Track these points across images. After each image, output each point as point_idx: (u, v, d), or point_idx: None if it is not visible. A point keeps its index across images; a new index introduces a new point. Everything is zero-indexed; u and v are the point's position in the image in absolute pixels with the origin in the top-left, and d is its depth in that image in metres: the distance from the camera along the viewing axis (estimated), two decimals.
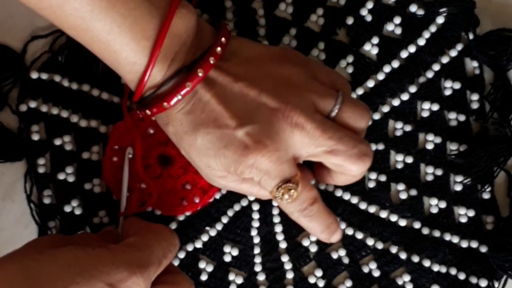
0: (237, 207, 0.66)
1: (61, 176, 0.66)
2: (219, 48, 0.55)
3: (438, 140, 0.67)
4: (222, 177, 0.57)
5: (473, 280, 0.65)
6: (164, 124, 0.57)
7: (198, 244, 0.66)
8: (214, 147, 0.55)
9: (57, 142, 0.66)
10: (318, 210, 0.59)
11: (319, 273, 0.66)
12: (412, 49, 0.67)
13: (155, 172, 0.65)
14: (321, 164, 0.59)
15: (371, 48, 0.68)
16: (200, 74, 0.54)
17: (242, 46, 0.58)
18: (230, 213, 0.66)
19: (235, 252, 0.66)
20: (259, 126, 0.55)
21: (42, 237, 0.56)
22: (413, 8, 0.67)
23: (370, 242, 0.66)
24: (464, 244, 0.66)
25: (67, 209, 0.65)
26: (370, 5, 0.67)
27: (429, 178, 0.66)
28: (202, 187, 0.65)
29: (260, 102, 0.55)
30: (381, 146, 0.67)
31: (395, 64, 0.67)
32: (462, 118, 0.67)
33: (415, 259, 0.65)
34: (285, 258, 0.66)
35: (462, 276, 0.65)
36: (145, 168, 0.64)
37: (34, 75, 0.66)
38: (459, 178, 0.66)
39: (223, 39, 0.56)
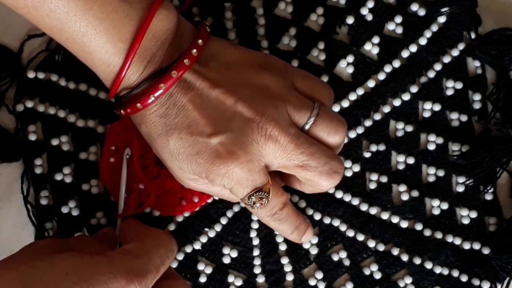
0: (236, 208, 0.65)
1: (58, 177, 0.65)
2: (194, 50, 0.55)
3: (440, 140, 0.66)
4: (193, 179, 0.57)
5: (476, 282, 0.65)
6: (138, 124, 0.57)
7: (197, 246, 0.65)
8: (186, 153, 0.55)
9: (54, 142, 0.65)
10: (287, 214, 0.60)
11: (319, 275, 0.65)
12: (413, 48, 0.67)
13: (152, 172, 0.64)
14: None
15: (371, 48, 0.67)
16: (174, 76, 0.54)
17: (222, 49, 0.58)
18: (229, 214, 0.65)
19: (234, 254, 0.65)
20: (233, 135, 0.55)
21: (39, 242, 0.55)
22: (414, 7, 0.67)
23: (371, 244, 0.65)
24: (467, 246, 0.65)
25: (64, 210, 0.65)
26: (370, 4, 0.67)
27: (431, 179, 0.66)
28: None
29: (236, 111, 0.55)
30: (382, 147, 0.66)
31: (396, 64, 0.67)
32: (464, 118, 0.66)
33: (417, 261, 0.65)
34: (285, 260, 0.65)
35: (464, 278, 0.65)
36: (143, 169, 0.63)
37: (31, 75, 0.65)
38: (461, 179, 0.66)
39: (200, 41, 0.55)
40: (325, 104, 0.59)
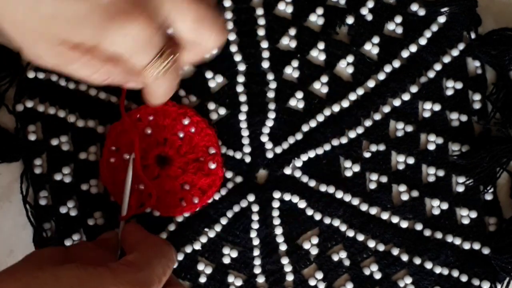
0: (236, 209, 0.65)
1: (58, 177, 0.65)
2: None
3: (440, 140, 0.66)
4: (58, 53, 0.48)
5: (476, 282, 0.65)
6: None
7: (197, 246, 0.65)
8: (73, 11, 0.45)
9: (54, 142, 0.65)
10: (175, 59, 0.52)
11: (319, 275, 0.65)
12: (413, 48, 0.67)
13: (153, 172, 0.64)
14: None
15: (371, 48, 0.67)
16: None
17: None
18: (229, 214, 0.65)
19: (234, 254, 0.65)
20: None
21: (41, 251, 0.54)
22: (414, 7, 0.67)
23: (371, 244, 0.65)
24: (467, 246, 0.65)
25: (63, 210, 0.65)
26: (370, 4, 0.67)
27: (431, 179, 0.66)
28: (201, 188, 0.64)
29: None
30: (382, 147, 0.66)
31: (396, 64, 0.67)
32: (464, 118, 0.66)
33: (417, 261, 0.65)
34: (285, 261, 0.65)
35: (464, 278, 0.65)
36: (143, 169, 0.63)
37: (31, 75, 0.65)
38: (461, 179, 0.66)
39: None
40: None
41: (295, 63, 0.67)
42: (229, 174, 0.66)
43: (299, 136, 0.66)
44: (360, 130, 0.66)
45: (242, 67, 0.66)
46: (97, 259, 0.53)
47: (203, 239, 0.65)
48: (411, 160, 0.66)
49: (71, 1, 0.44)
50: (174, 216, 0.65)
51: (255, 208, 0.65)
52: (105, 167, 0.64)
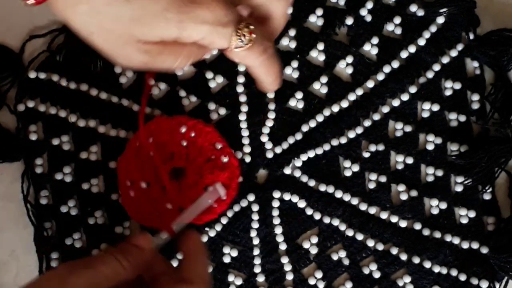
0: (236, 208, 0.66)
1: (59, 176, 0.65)
2: None
3: (439, 140, 0.66)
4: (145, 51, 0.50)
5: (474, 281, 0.65)
6: (72, 6, 0.48)
7: None
8: (150, 12, 0.48)
9: (55, 142, 0.66)
10: (274, 49, 0.55)
11: (319, 274, 0.66)
12: (412, 49, 0.67)
13: (174, 189, 0.63)
14: None
15: (371, 49, 0.67)
16: None
17: None
18: (230, 214, 0.66)
19: (234, 253, 0.66)
20: None
21: (63, 266, 0.49)
22: (413, 8, 0.67)
23: (370, 243, 0.66)
24: (465, 245, 0.65)
25: (63, 209, 0.65)
26: (370, 5, 0.67)
27: (430, 179, 0.66)
28: (223, 184, 0.63)
29: None
30: (381, 147, 0.66)
31: (395, 64, 0.67)
32: (462, 118, 0.67)
33: (416, 260, 0.65)
34: (285, 260, 0.66)
35: (463, 278, 0.65)
36: (163, 188, 0.62)
37: (32, 75, 0.66)
38: (459, 179, 0.66)
39: None
40: None
41: (294, 64, 0.67)
42: None
43: (298, 136, 0.67)
44: (359, 130, 0.67)
45: (242, 68, 0.67)
46: (122, 275, 0.50)
47: (204, 238, 0.65)
48: (410, 160, 0.66)
49: (149, 2, 0.47)
50: (212, 220, 0.64)
51: (255, 207, 0.66)
52: (130, 206, 0.63)
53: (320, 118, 0.67)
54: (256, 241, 0.66)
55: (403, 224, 0.66)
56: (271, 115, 0.66)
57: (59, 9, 0.48)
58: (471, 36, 0.67)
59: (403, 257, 0.65)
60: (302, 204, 0.66)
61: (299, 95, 0.67)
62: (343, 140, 0.66)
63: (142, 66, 0.51)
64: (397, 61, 0.67)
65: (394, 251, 0.65)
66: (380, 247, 0.66)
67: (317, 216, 0.66)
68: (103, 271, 0.49)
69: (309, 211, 0.66)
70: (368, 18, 0.67)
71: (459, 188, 0.66)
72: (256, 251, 0.66)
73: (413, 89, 0.67)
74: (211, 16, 0.49)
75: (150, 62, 0.50)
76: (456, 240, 0.65)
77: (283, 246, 0.66)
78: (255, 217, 0.66)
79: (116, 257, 0.50)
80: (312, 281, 0.65)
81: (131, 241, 0.53)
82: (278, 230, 0.66)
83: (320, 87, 0.67)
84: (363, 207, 0.66)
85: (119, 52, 0.50)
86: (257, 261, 0.66)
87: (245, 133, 0.66)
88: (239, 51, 0.51)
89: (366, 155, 0.67)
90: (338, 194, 0.66)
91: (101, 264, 0.49)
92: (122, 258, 0.50)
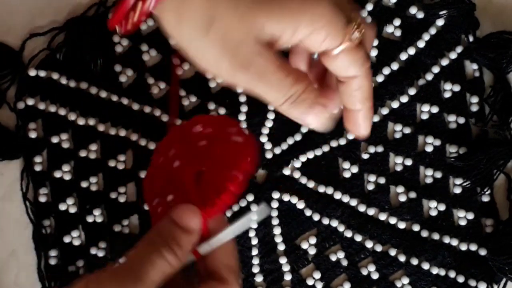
0: (235, 208, 0.66)
1: (58, 174, 0.65)
2: None
3: (438, 142, 0.66)
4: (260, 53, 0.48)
5: (472, 283, 0.65)
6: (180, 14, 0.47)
7: None
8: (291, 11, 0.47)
9: (55, 140, 0.66)
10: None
11: (317, 275, 0.65)
12: (411, 51, 0.67)
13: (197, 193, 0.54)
14: None
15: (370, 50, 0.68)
16: None
17: None
18: (228, 213, 0.66)
19: None
20: None
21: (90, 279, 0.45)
22: (413, 10, 0.67)
23: (369, 244, 0.66)
24: (463, 247, 0.65)
25: (62, 207, 0.65)
26: (369, 7, 0.67)
27: (429, 180, 0.66)
28: (236, 161, 0.54)
29: None
30: (380, 149, 0.67)
31: (395, 66, 0.67)
32: (461, 120, 0.67)
33: (414, 261, 0.65)
34: (283, 260, 0.65)
35: (461, 279, 0.65)
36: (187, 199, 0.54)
37: (32, 73, 0.66)
38: (458, 181, 0.66)
39: None
40: None
41: None
42: None
43: (298, 137, 0.67)
44: None
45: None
46: None
47: None
48: (409, 162, 0.66)
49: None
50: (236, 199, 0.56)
51: (254, 207, 0.66)
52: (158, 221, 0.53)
53: None
54: (254, 241, 0.66)
55: (402, 225, 0.66)
56: (271, 116, 0.67)
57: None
58: (471, 39, 0.67)
59: (402, 258, 0.65)
60: (301, 205, 0.66)
61: None
62: (342, 142, 0.67)
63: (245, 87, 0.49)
64: (397, 63, 0.67)
65: (393, 252, 0.65)
66: (379, 248, 0.66)
67: (316, 217, 0.66)
68: (152, 279, 0.44)
69: (308, 212, 0.66)
70: (368, 20, 0.67)
71: (457, 190, 0.66)
72: (254, 251, 0.66)
73: (412, 91, 0.67)
74: (328, 10, 0.48)
75: (253, 83, 0.48)
76: (454, 242, 0.65)
77: (281, 247, 0.66)
78: (254, 217, 0.66)
79: (164, 256, 0.45)
80: (310, 282, 0.65)
81: (176, 221, 0.47)
82: (277, 230, 0.66)
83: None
84: (362, 208, 0.66)
85: (228, 77, 0.49)
86: (256, 261, 0.66)
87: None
88: (347, 51, 0.49)
89: (365, 156, 0.67)
90: (337, 195, 0.66)
91: (149, 272, 0.44)
92: (170, 255, 0.46)
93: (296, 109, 0.50)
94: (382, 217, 0.66)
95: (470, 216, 0.66)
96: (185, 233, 0.47)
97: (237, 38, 0.46)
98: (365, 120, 0.53)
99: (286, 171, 0.67)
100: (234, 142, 0.55)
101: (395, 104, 0.67)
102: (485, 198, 0.66)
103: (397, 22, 0.67)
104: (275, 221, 0.66)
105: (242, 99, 0.67)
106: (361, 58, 0.50)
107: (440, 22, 0.67)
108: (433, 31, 0.67)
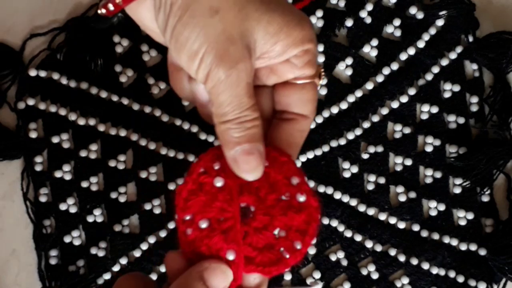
0: None
1: (58, 174, 0.65)
2: None
3: (437, 142, 0.66)
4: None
5: (472, 283, 0.65)
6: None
7: None
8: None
9: (55, 140, 0.66)
10: None
11: (317, 275, 0.65)
12: (411, 51, 0.67)
13: (239, 233, 0.50)
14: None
15: (370, 50, 0.68)
16: None
17: None
18: None
19: None
20: None
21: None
22: (412, 10, 0.67)
23: (369, 244, 0.66)
24: (463, 247, 0.65)
25: (63, 207, 0.65)
26: (369, 7, 0.67)
27: (428, 180, 0.66)
28: (298, 228, 0.50)
29: None
30: (380, 149, 0.67)
31: (395, 66, 0.67)
32: (461, 120, 0.67)
33: (414, 261, 0.65)
34: None
35: (461, 279, 0.65)
36: (225, 232, 0.49)
37: (33, 73, 0.66)
38: (458, 181, 0.66)
39: None
40: None
41: None
42: None
43: None
44: (358, 131, 0.67)
45: None
46: None
47: None
48: (408, 162, 0.66)
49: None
50: (283, 273, 0.58)
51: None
52: (185, 243, 0.50)
53: (319, 119, 0.67)
54: None
55: (402, 225, 0.66)
56: None
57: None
58: (470, 39, 0.67)
59: (401, 258, 0.65)
60: None
61: None
62: (342, 142, 0.67)
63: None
64: (397, 63, 0.67)
65: (393, 252, 0.66)
66: (379, 248, 0.66)
67: None
68: None
69: None
70: (368, 20, 0.68)
71: (457, 190, 0.66)
72: None
73: (412, 91, 0.67)
74: (313, 33, 0.48)
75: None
76: (454, 242, 0.65)
77: None
78: None
79: None
80: (310, 281, 0.65)
81: (205, 279, 0.46)
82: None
83: (319, 88, 0.67)
84: (361, 208, 0.66)
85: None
86: None
87: None
88: (313, 85, 0.49)
89: (365, 156, 0.67)
90: (337, 195, 0.66)
91: None
92: None
93: (237, 133, 0.46)
94: (382, 217, 0.66)
95: (470, 216, 0.66)
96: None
97: (234, 34, 0.44)
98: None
99: None
100: (297, 201, 0.50)
101: (395, 104, 0.67)
102: (485, 198, 0.66)
103: (397, 22, 0.68)
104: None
105: None
106: (316, 100, 0.49)
107: (440, 22, 0.67)
108: (433, 31, 0.67)
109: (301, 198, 0.50)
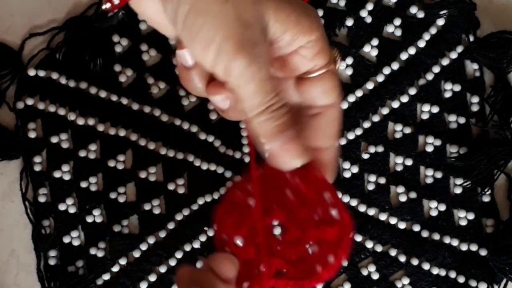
0: None
1: (57, 174, 0.65)
2: None
3: (438, 142, 0.66)
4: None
5: (473, 283, 0.65)
6: None
7: (196, 245, 0.65)
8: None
9: (54, 139, 0.65)
10: None
11: None
12: (412, 51, 0.67)
13: (273, 248, 0.52)
14: None
15: (370, 50, 0.68)
16: None
17: None
18: None
19: None
20: None
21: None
22: (413, 9, 0.67)
23: (369, 244, 0.65)
24: (464, 247, 0.65)
25: (62, 207, 0.65)
26: (370, 6, 0.67)
27: (429, 180, 0.66)
28: (331, 242, 0.50)
29: None
30: (380, 149, 0.66)
31: (395, 66, 0.67)
32: (462, 120, 0.67)
33: (415, 262, 0.65)
34: None
35: (461, 280, 0.65)
36: (258, 246, 0.50)
37: (32, 72, 0.66)
38: (459, 181, 0.66)
39: None
40: None
41: None
42: (228, 174, 0.66)
43: None
44: (358, 131, 0.67)
45: None
46: None
47: (203, 238, 0.65)
48: (409, 162, 0.66)
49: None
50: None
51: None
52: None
53: None
54: None
55: (402, 225, 0.66)
56: None
57: None
58: (471, 38, 0.67)
59: (402, 258, 0.65)
60: None
61: None
62: (342, 142, 0.66)
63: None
64: (397, 62, 0.67)
65: (393, 252, 0.65)
66: (379, 248, 0.65)
67: None
68: None
69: None
70: (368, 20, 0.68)
71: (458, 190, 0.66)
72: None
73: (412, 91, 0.67)
74: (320, 23, 0.48)
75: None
76: (455, 242, 0.65)
77: None
78: None
79: None
80: None
81: (214, 269, 0.46)
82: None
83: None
84: (362, 208, 0.66)
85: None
86: None
87: (245, 133, 0.66)
88: (330, 74, 0.48)
89: (365, 156, 0.67)
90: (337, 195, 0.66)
91: None
92: None
93: (271, 124, 0.45)
94: (383, 217, 0.66)
95: (471, 216, 0.66)
96: (223, 282, 0.46)
97: (249, 18, 0.43)
98: (335, 161, 0.50)
99: None
100: (329, 215, 0.50)
101: (395, 104, 0.67)
102: (486, 198, 0.66)
103: (397, 21, 0.67)
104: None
105: None
106: (338, 86, 0.49)
107: (440, 21, 0.67)
108: (433, 30, 0.67)
109: (333, 212, 0.50)
